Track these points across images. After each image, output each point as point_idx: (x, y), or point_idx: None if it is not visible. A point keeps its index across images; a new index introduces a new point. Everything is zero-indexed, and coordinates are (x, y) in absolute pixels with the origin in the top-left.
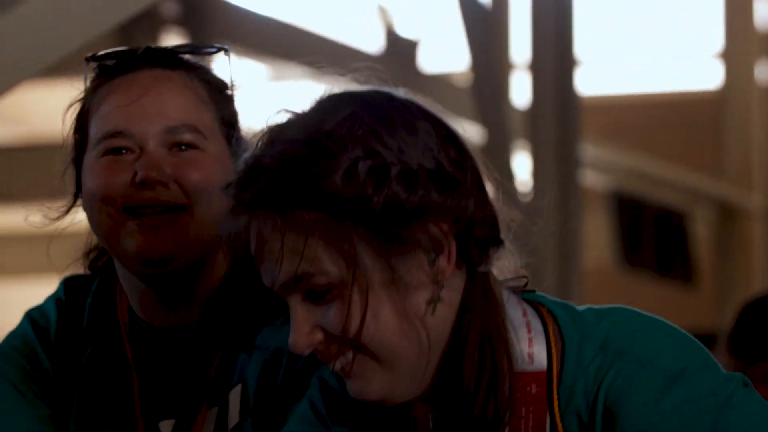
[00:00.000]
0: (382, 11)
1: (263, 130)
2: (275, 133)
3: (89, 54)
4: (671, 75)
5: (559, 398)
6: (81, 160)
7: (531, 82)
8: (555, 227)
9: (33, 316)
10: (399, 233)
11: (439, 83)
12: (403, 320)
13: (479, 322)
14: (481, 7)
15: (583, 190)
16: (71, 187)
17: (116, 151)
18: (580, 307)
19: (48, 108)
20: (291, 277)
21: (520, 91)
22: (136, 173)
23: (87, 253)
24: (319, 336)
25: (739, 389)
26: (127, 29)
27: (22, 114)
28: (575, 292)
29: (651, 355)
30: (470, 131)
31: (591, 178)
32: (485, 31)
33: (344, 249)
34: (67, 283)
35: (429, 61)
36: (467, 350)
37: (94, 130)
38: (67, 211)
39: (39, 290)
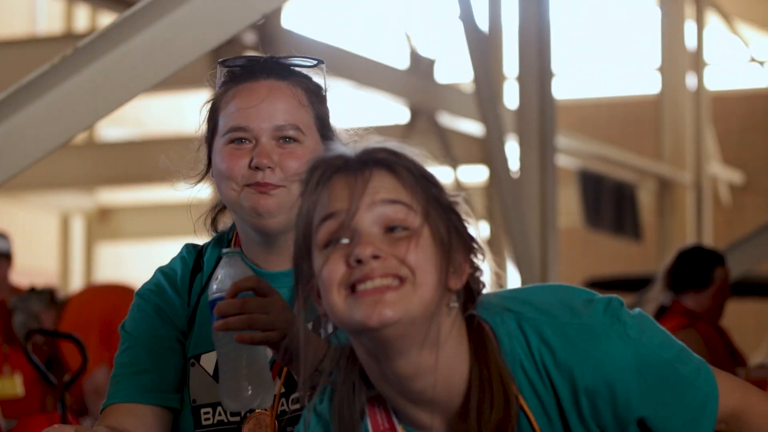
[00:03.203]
0: (407, 37)
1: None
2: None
3: (221, 59)
4: (623, 83)
5: (508, 365)
6: (212, 142)
7: (518, 89)
8: (537, 198)
9: (163, 269)
10: (458, 228)
11: (450, 91)
12: (438, 277)
13: (493, 359)
14: (481, 33)
15: (558, 170)
16: (204, 160)
17: (238, 141)
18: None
19: (156, 112)
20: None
21: (511, 97)
22: (252, 159)
23: (212, 219)
24: (383, 253)
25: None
26: (216, 52)
27: (137, 117)
28: (553, 247)
29: (539, 300)
30: (473, 127)
31: (564, 161)
32: (484, 51)
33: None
34: (187, 246)
35: (443, 74)
36: (493, 382)
37: (223, 122)
38: (202, 179)
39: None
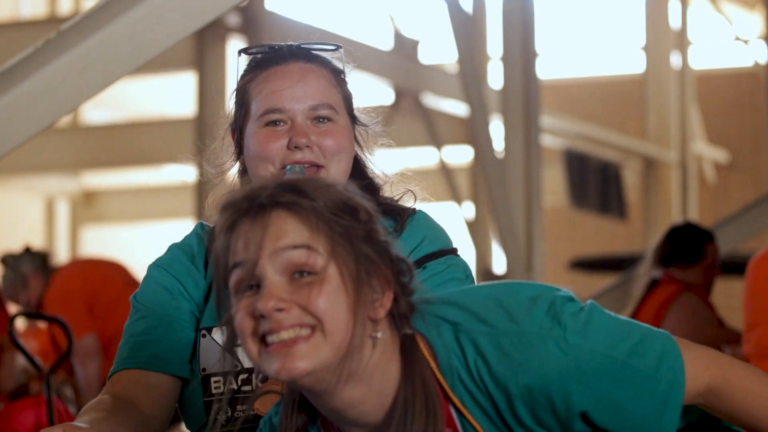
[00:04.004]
0: (391, 18)
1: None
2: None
3: (242, 48)
4: (608, 62)
5: (445, 378)
6: (242, 127)
7: (503, 69)
8: (522, 178)
9: (178, 245)
10: (371, 258)
11: (435, 71)
12: (351, 316)
13: (419, 375)
14: (465, 14)
15: (542, 150)
16: (232, 147)
17: (274, 123)
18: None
19: (140, 94)
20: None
21: (495, 77)
22: (290, 139)
23: None
24: (286, 304)
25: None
26: (199, 34)
27: (122, 99)
28: (538, 227)
29: (475, 307)
30: (458, 108)
31: (549, 141)
32: (468, 31)
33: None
34: (202, 224)
35: (427, 55)
36: (416, 399)
37: (256, 106)
38: (231, 166)
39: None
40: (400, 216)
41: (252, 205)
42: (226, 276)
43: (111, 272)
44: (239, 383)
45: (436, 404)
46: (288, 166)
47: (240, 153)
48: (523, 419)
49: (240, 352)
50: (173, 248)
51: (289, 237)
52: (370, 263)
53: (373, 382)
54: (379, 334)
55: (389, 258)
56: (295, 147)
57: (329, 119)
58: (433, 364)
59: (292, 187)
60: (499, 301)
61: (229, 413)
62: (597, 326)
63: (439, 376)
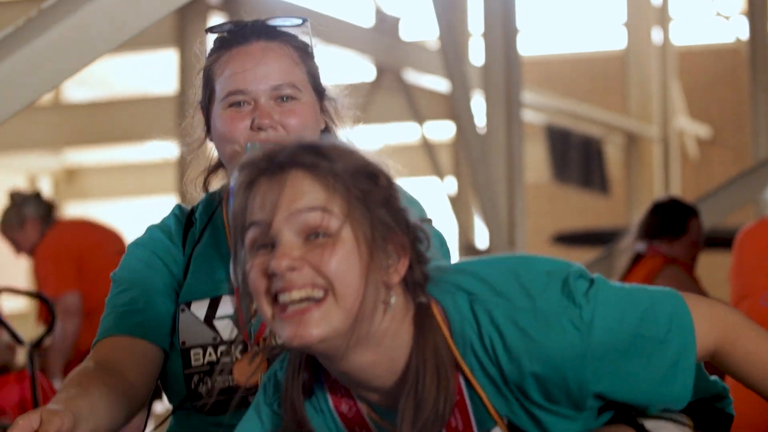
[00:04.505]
0: None
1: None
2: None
3: (208, 26)
4: (589, 38)
5: (457, 346)
6: (209, 108)
7: (484, 46)
8: (504, 153)
9: (156, 225)
10: (388, 223)
11: (416, 48)
12: (363, 280)
13: (432, 343)
14: None
15: (524, 126)
16: (201, 125)
17: (237, 104)
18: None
19: (121, 72)
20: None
21: (476, 53)
22: (253, 120)
23: (204, 180)
24: (298, 263)
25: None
26: (180, 12)
27: (102, 77)
28: (520, 202)
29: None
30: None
31: (530, 117)
32: (449, 8)
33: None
34: (178, 205)
35: (408, 32)
36: (427, 366)
37: (220, 87)
38: (201, 144)
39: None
40: None
41: (271, 165)
42: (242, 234)
43: (106, 239)
44: (218, 355)
45: (448, 372)
46: (248, 144)
47: (209, 131)
48: (531, 395)
49: (218, 324)
50: (152, 228)
51: (305, 199)
52: (386, 229)
53: (385, 348)
54: (393, 300)
55: (406, 225)
56: (259, 128)
57: (292, 98)
58: (446, 332)
59: (313, 148)
60: (516, 275)
61: (209, 384)
62: (608, 302)
63: (451, 344)
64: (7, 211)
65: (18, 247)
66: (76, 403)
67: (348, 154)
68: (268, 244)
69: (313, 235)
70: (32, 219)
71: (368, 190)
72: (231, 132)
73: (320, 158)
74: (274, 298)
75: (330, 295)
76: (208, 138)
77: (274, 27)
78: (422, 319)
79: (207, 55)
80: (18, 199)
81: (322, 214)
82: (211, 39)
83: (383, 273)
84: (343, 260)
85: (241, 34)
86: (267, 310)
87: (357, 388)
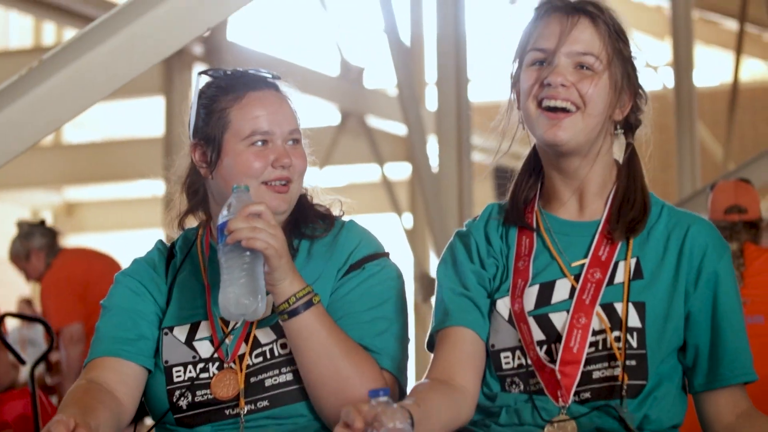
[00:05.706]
0: (339, 47)
1: None
2: None
3: (203, 70)
4: None
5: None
6: (220, 145)
7: (437, 93)
8: (455, 191)
9: (141, 258)
10: (630, 76)
11: (377, 95)
12: (605, 110)
13: (639, 174)
14: (404, 45)
15: (473, 165)
16: (187, 164)
17: (262, 143)
18: None
19: (113, 117)
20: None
21: (431, 100)
22: (276, 159)
23: (179, 221)
24: (569, 82)
25: None
26: (167, 62)
27: (96, 121)
28: None
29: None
30: (398, 128)
31: (479, 157)
32: (407, 60)
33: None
34: (160, 240)
35: (370, 81)
36: (629, 191)
37: (242, 125)
38: (210, 172)
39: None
40: (329, 219)
41: (565, 5)
42: (522, 53)
43: (108, 268)
44: (198, 371)
45: (647, 199)
46: (234, 186)
47: (210, 164)
48: (683, 261)
49: (197, 344)
50: (137, 260)
51: (585, 44)
52: (628, 79)
53: (600, 167)
54: (618, 132)
55: (636, 79)
56: (281, 166)
57: (297, 141)
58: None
59: (595, 3)
60: None
61: (190, 398)
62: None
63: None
64: (14, 242)
65: (27, 275)
66: (90, 417)
67: (615, 16)
68: (543, 61)
69: (580, 67)
70: (36, 250)
71: (624, 48)
72: (251, 169)
73: (602, 13)
74: (539, 102)
75: (580, 112)
76: (209, 171)
77: (277, 78)
78: (631, 155)
79: (210, 97)
80: (24, 229)
81: (593, 58)
82: (199, 81)
83: (616, 110)
84: (600, 91)
85: (251, 80)
86: (532, 107)
87: (554, 174)
